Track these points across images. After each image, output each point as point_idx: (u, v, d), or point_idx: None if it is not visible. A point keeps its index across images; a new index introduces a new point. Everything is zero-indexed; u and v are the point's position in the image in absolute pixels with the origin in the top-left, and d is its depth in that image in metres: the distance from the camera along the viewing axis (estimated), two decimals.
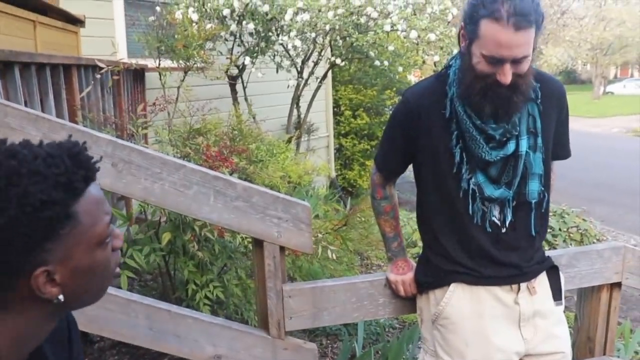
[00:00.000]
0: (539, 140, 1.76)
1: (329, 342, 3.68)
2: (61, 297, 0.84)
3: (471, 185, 1.75)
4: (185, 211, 1.89)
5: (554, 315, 1.86)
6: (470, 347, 1.80)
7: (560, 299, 1.88)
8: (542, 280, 1.86)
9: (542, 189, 1.79)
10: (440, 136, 1.76)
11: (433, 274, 1.88)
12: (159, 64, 4.88)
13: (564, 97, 1.84)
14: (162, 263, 2.96)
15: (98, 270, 0.88)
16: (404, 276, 2.02)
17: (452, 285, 1.82)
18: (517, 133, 1.73)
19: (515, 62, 1.59)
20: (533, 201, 1.78)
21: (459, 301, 1.82)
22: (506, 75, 1.59)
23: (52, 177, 0.79)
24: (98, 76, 3.71)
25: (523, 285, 1.81)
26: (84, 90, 3.61)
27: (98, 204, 0.87)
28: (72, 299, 0.87)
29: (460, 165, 1.75)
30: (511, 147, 1.73)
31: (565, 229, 6.26)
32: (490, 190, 1.75)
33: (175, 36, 4.71)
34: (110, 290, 1.98)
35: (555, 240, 6.03)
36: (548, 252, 1.95)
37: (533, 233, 1.81)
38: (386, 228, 2.04)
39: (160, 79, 4.64)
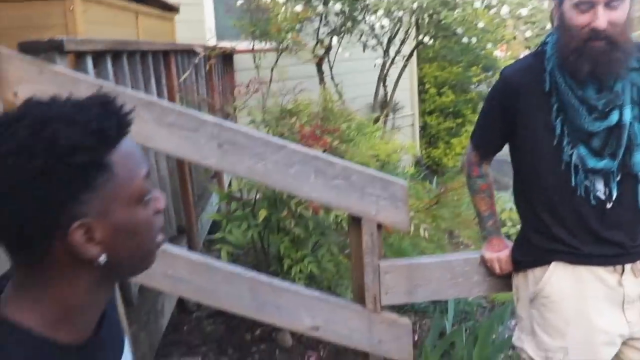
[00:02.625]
0: None
1: (417, 318, 3.72)
2: (103, 257, 0.78)
3: (574, 158, 1.72)
4: (287, 189, 1.99)
5: None
6: (572, 326, 1.78)
7: None
8: None
9: None
10: (540, 111, 1.75)
11: (532, 252, 1.87)
12: (253, 47, 5.00)
13: None
14: (257, 238, 3.09)
15: (140, 230, 0.81)
16: (499, 254, 2.03)
17: (553, 264, 1.80)
18: (620, 103, 1.69)
19: (609, 5, 1.56)
20: (639, 173, 1.73)
21: (560, 280, 1.79)
22: (600, 19, 1.57)
23: (82, 123, 0.74)
24: (196, 61, 3.87)
25: (627, 266, 1.76)
26: (181, 74, 3.79)
27: (134, 157, 0.81)
28: (116, 262, 0.79)
29: (562, 138, 1.73)
30: (614, 117, 1.69)
31: None
32: (593, 162, 1.71)
33: (268, 20, 4.81)
34: (216, 263, 2.12)
35: None
36: None
37: (637, 207, 1.74)
38: (482, 206, 2.04)
39: (255, 61, 4.77)
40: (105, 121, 0.76)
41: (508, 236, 2.15)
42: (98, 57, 2.49)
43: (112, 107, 0.79)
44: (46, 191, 0.72)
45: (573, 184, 1.74)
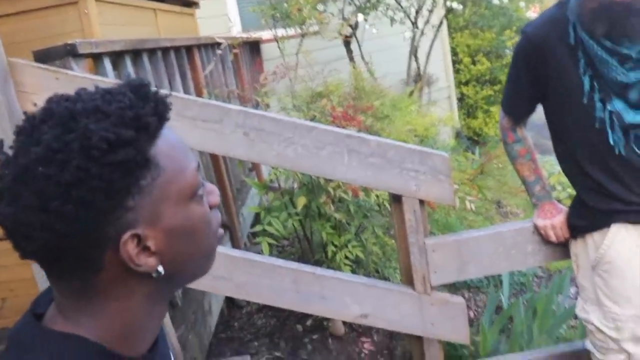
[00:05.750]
0: None
1: (471, 294, 3.60)
2: (161, 268, 0.68)
3: (607, 113, 1.61)
4: (320, 173, 1.89)
5: None
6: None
7: None
8: None
9: None
10: (569, 66, 1.64)
11: (590, 216, 1.75)
12: (276, 33, 4.92)
13: None
14: (298, 227, 3.01)
15: (197, 230, 0.71)
16: (553, 220, 1.90)
17: (614, 226, 1.68)
18: None
19: None
20: None
21: (623, 243, 1.67)
22: None
23: (116, 113, 0.63)
24: (219, 52, 3.81)
25: None
26: (206, 67, 3.73)
27: (180, 146, 0.70)
28: (175, 270, 0.70)
29: (592, 94, 1.62)
30: None
31: None
32: (631, 117, 1.61)
33: (288, 2, 4.72)
34: (255, 257, 2.04)
35: None
36: None
37: None
38: (525, 172, 1.92)
39: (279, 47, 4.69)
40: (141, 108, 0.65)
41: (559, 201, 2.01)
42: (117, 57, 2.44)
43: (146, 91, 0.67)
44: (86, 202, 0.61)
45: (611, 141, 1.63)
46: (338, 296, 2.00)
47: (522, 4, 5.81)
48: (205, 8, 5.21)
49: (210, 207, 0.75)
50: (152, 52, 2.85)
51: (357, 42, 5.98)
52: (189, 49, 3.52)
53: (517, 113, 1.88)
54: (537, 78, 1.72)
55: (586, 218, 1.77)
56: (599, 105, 1.63)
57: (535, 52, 1.70)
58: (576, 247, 1.83)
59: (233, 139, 1.87)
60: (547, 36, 1.67)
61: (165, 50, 3.07)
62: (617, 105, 1.61)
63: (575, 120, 1.70)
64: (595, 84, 1.62)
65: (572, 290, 3.22)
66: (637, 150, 1.63)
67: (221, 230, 0.78)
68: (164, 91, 0.69)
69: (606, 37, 1.57)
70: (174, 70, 3.15)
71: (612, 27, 1.55)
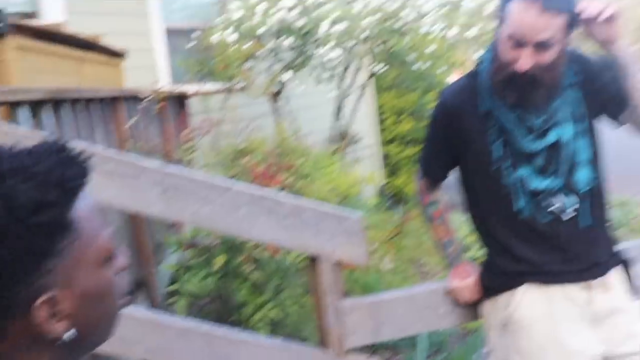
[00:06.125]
0: (585, 125, 1.70)
1: (389, 354, 3.60)
2: (73, 331, 0.66)
3: (514, 180, 1.70)
4: (236, 232, 1.89)
5: (632, 312, 1.75)
6: (546, 351, 1.71)
7: (638, 294, 1.77)
8: (616, 275, 1.76)
9: (594, 175, 1.72)
10: (479, 133, 1.73)
11: (499, 277, 1.80)
12: (201, 88, 4.93)
13: (607, 68, 1.72)
14: (217, 286, 2.96)
15: (106, 295, 0.71)
16: (466, 282, 1.94)
17: (522, 287, 1.74)
18: (558, 121, 1.68)
19: (538, 48, 1.55)
20: (584, 190, 1.70)
21: (530, 303, 1.73)
22: (524, 60, 1.56)
23: (41, 175, 0.63)
24: (142, 105, 3.77)
25: (596, 281, 1.72)
26: (130, 120, 3.68)
27: (97, 211, 0.70)
28: (86, 334, 0.68)
29: (500, 161, 1.70)
30: (553, 136, 1.68)
31: (629, 219, 6.00)
32: (536, 183, 1.69)
33: (215, 59, 4.77)
34: (167, 319, 1.99)
35: (619, 232, 5.78)
36: (618, 245, 1.84)
37: (590, 223, 1.71)
38: (439, 234, 1.98)
39: (205, 103, 4.70)
40: (66, 171, 0.65)
41: (476, 260, 2.07)
42: (36, 106, 2.38)
43: (70, 153, 0.68)
44: (6, 262, 0.60)
45: (517, 207, 1.71)
46: (252, 359, 1.96)
47: (442, 69, 6.09)
48: (133, 58, 5.16)
49: (119, 270, 0.74)
50: (74, 102, 2.79)
51: (284, 99, 6.07)
52: (113, 100, 3.47)
53: (433, 176, 1.94)
54: (452, 141, 1.79)
55: (496, 279, 1.82)
56: (506, 172, 1.70)
57: (449, 118, 1.78)
58: (487, 307, 1.87)
59: (150, 196, 1.84)
60: (460, 104, 1.76)
61: (89, 101, 3.02)
62: (524, 172, 1.69)
63: (484, 186, 1.77)
64: (504, 151, 1.70)
65: (486, 349, 3.29)
66: (541, 215, 1.70)
67: (127, 297, 0.78)
68: (86, 152, 0.70)
69: (516, 107, 1.66)
70: (96, 122, 3.09)
71: (520, 98, 1.63)
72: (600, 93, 1.73)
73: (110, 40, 4.57)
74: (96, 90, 3.22)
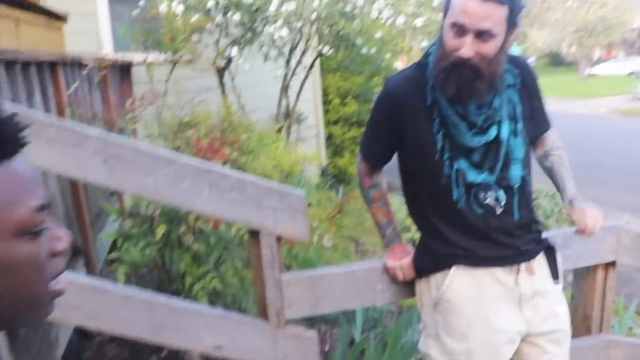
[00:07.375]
0: (520, 125, 1.79)
1: (327, 328, 3.69)
2: None
3: (453, 171, 1.77)
4: (180, 204, 1.89)
5: (553, 295, 1.89)
6: (473, 329, 1.82)
7: (559, 278, 1.90)
8: (540, 261, 1.88)
9: (524, 173, 1.82)
10: (423, 124, 1.78)
11: (432, 258, 1.89)
12: (146, 58, 4.84)
13: (537, 78, 1.90)
14: (157, 256, 2.95)
15: (19, 271, 0.64)
16: (401, 261, 2.03)
17: (453, 268, 1.83)
18: (498, 119, 1.76)
19: (480, 37, 1.61)
20: (515, 186, 1.80)
21: (460, 284, 1.83)
22: (467, 48, 1.61)
23: None
24: (84, 72, 3.67)
25: (522, 266, 1.83)
26: (71, 86, 3.58)
27: (22, 180, 0.64)
28: None
29: (443, 152, 1.77)
30: (493, 133, 1.75)
31: (557, 210, 6.31)
32: (473, 176, 1.77)
33: (161, 30, 4.68)
34: (108, 286, 1.98)
35: (548, 222, 6.07)
36: (544, 233, 1.96)
37: (519, 216, 1.82)
38: (378, 215, 2.04)
39: (148, 73, 4.61)
40: None
41: (413, 242, 2.16)
42: None
43: (1, 117, 0.63)
44: None
45: (454, 196, 1.79)
46: (193, 327, 1.98)
47: (387, 55, 6.17)
48: (75, 23, 5.00)
49: (53, 255, 0.69)
50: (10, 64, 2.69)
51: (230, 75, 6.03)
52: (53, 64, 3.36)
53: (374, 159, 1.99)
54: (395, 130, 1.84)
55: (429, 260, 1.90)
56: (447, 163, 1.77)
57: (394, 106, 1.82)
58: (420, 286, 1.96)
59: (91, 165, 1.82)
60: (406, 94, 1.80)
61: (26, 65, 2.91)
62: (462, 164, 1.76)
63: (425, 174, 1.83)
64: (446, 143, 1.76)
65: (420, 325, 3.41)
66: (475, 206, 1.79)
67: (60, 286, 0.71)
68: (21, 119, 0.65)
69: (456, 99, 1.71)
70: (34, 87, 2.99)
71: (460, 89, 1.68)
72: (532, 103, 1.86)
73: (51, 2, 4.42)
74: (34, 53, 3.10)
